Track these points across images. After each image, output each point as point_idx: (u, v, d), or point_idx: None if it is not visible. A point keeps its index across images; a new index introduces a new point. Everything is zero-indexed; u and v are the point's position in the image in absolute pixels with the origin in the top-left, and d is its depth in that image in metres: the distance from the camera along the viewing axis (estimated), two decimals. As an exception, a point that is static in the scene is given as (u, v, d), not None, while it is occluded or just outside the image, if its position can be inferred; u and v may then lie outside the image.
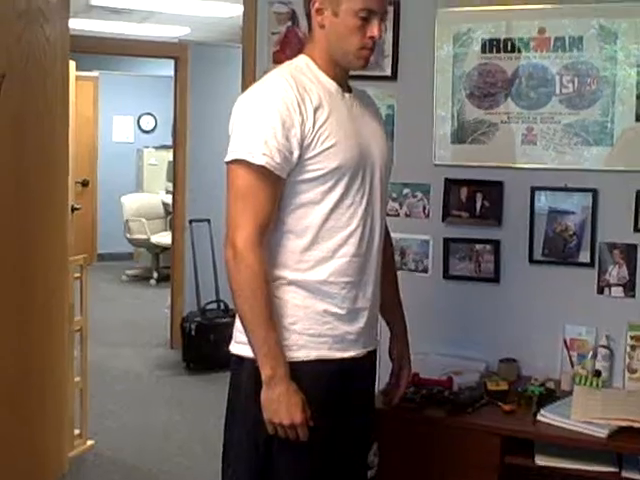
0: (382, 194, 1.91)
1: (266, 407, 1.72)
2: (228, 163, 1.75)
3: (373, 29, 1.80)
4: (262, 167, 1.70)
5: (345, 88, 1.89)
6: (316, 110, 1.75)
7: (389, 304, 2.08)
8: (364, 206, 1.83)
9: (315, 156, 1.75)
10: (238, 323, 1.81)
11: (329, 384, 1.81)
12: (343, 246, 1.80)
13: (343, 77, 1.88)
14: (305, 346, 1.79)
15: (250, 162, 1.70)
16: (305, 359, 1.79)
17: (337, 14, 1.79)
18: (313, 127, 1.74)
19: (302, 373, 1.76)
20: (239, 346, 1.82)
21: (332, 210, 1.79)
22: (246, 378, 1.79)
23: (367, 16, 1.78)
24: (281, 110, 1.71)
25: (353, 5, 1.77)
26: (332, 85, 1.84)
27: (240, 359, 1.82)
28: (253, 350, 1.74)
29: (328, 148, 1.75)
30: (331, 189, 1.78)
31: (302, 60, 1.86)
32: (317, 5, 1.81)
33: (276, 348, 1.72)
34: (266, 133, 1.70)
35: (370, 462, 2.02)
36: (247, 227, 1.70)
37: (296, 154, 1.73)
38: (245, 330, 1.75)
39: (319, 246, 1.79)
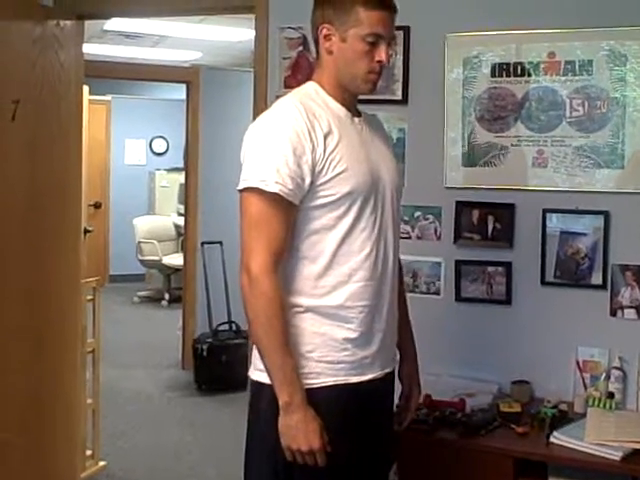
0: (394, 217, 1.93)
1: (284, 433, 1.73)
2: (241, 191, 1.76)
3: (381, 53, 1.82)
4: (275, 194, 1.71)
5: (354, 112, 1.91)
6: (326, 136, 1.77)
7: (399, 327, 2.07)
8: (377, 229, 1.84)
9: (327, 182, 1.76)
10: (256, 350, 1.81)
11: (346, 408, 1.81)
12: (358, 270, 1.81)
13: (352, 102, 1.90)
14: (322, 373, 1.79)
15: (263, 190, 1.71)
16: (322, 385, 1.79)
17: (345, 40, 1.81)
18: (324, 153, 1.75)
19: (319, 399, 1.77)
20: (258, 373, 1.82)
21: (346, 235, 1.80)
22: (265, 405, 1.79)
23: (375, 41, 1.80)
24: (292, 138, 1.73)
25: (360, 30, 1.79)
26: (341, 110, 1.86)
27: (259, 385, 1.82)
28: (270, 376, 1.74)
29: (339, 173, 1.77)
30: (344, 214, 1.79)
31: (311, 86, 1.88)
32: (325, 31, 1.83)
33: (292, 374, 1.73)
34: (278, 161, 1.72)
35: (391, 480, 2.02)
36: (262, 254, 1.71)
37: (308, 181, 1.75)
38: (261, 356, 1.76)
39: (334, 271, 1.80)
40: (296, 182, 1.73)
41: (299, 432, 1.71)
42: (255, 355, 1.83)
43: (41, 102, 3.00)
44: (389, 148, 2.02)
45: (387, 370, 1.93)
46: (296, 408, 1.71)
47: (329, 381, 1.79)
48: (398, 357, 2.08)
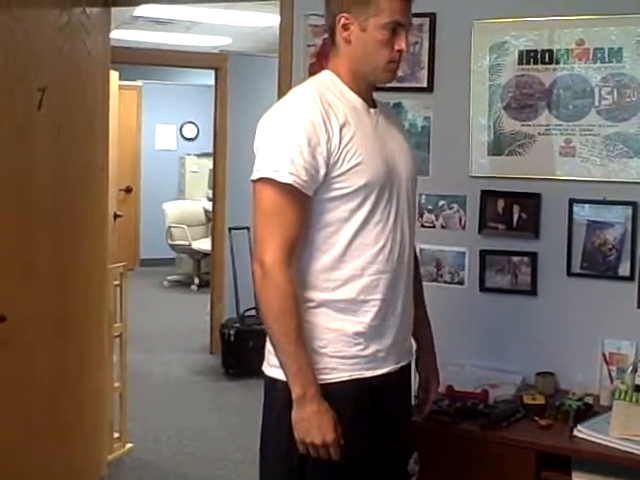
0: (410, 209, 1.91)
1: (297, 426, 1.72)
2: (254, 182, 1.75)
3: (401, 42, 1.80)
4: (289, 185, 1.69)
5: (370, 103, 1.88)
6: (342, 127, 1.74)
7: (415, 317, 2.05)
8: (392, 222, 1.82)
9: (342, 174, 1.74)
10: (269, 345, 1.81)
11: (362, 402, 1.80)
12: (372, 263, 1.79)
13: (368, 92, 1.88)
14: (336, 368, 1.78)
15: (277, 180, 1.70)
16: (337, 380, 1.78)
17: (365, 29, 1.78)
18: (339, 145, 1.73)
19: (334, 394, 1.76)
20: (272, 369, 1.82)
21: (360, 227, 1.78)
22: (279, 401, 1.78)
23: (395, 28, 1.78)
24: (307, 128, 1.71)
25: (381, 19, 1.77)
26: (357, 101, 1.84)
27: (273, 382, 1.81)
28: (283, 370, 1.74)
29: (355, 166, 1.75)
30: (359, 207, 1.77)
31: (327, 75, 1.86)
32: (343, 20, 1.80)
33: (306, 367, 1.72)
34: (292, 151, 1.70)
35: (410, 470, 1.99)
36: (275, 246, 1.70)
37: (322, 172, 1.73)
38: (275, 350, 1.76)
39: (348, 264, 1.78)
40: (310, 173, 1.71)
41: (312, 425, 1.70)
42: (268, 349, 1.83)
43: (67, 90, 3.02)
44: (405, 138, 1.99)
45: (402, 363, 1.92)
46: (310, 400, 1.70)
47: (344, 376, 1.78)
48: (414, 349, 2.06)
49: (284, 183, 1.70)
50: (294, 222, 1.72)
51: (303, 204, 1.73)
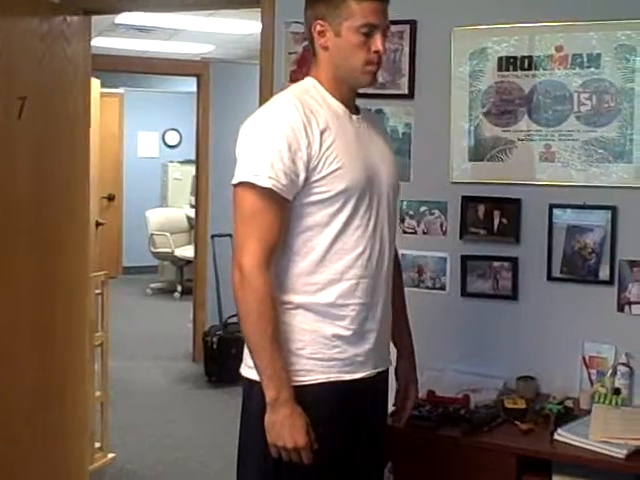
0: (390, 215, 1.91)
1: (270, 430, 1.73)
2: (235, 186, 1.75)
3: (377, 43, 1.80)
4: (268, 190, 1.70)
5: (353, 109, 1.89)
6: (322, 133, 1.75)
7: (395, 323, 2.06)
8: (372, 228, 1.83)
9: (322, 179, 1.75)
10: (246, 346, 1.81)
11: (338, 406, 1.80)
12: (351, 268, 1.80)
13: (350, 98, 1.88)
14: (313, 370, 1.79)
15: (256, 185, 1.70)
16: (313, 383, 1.78)
17: (339, 34, 1.79)
18: (320, 150, 1.74)
19: (310, 396, 1.76)
20: (249, 370, 1.82)
21: (339, 232, 1.79)
22: (256, 403, 1.78)
23: (369, 31, 1.79)
24: (287, 133, 1.72)
25: (353, 22, 1.78)
26: (339, 107, 1.85)
27: (250, 383, 1.82)
28: (258, 373, 1.74)
29: (335, 171, 1.76)
30: (338, 211, 1.78)
31: (309, 82, 1.87)
32: (318, 28, 1.82)
33: (281, 371, 1.72)
34: (272, 156, 1.71)
35: (386, 479, 2.01)
36: (254, 250, 1.70)
37: (302, 177, 1.73)
38: (251, 353, 1.76)
39: (327, 269, 1.79)
40: (290, 178, 1.72)
41: (285, 429, 1.70)
42: (246, 351, 1.83)
43: (48, 98, 3.01)
44: (388, 144, 2.00)
45: (380, 369, 1.92)
46: (283, 404, 1.71)
47: (320, 378, 1.79)
48: (393, 355, 2.06)
49: (264, 187, 1.70)
50: (273, 226, 1.72)
51: (282, 208, 1.74)
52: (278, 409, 1.71)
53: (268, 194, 1.71)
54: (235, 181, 1.75)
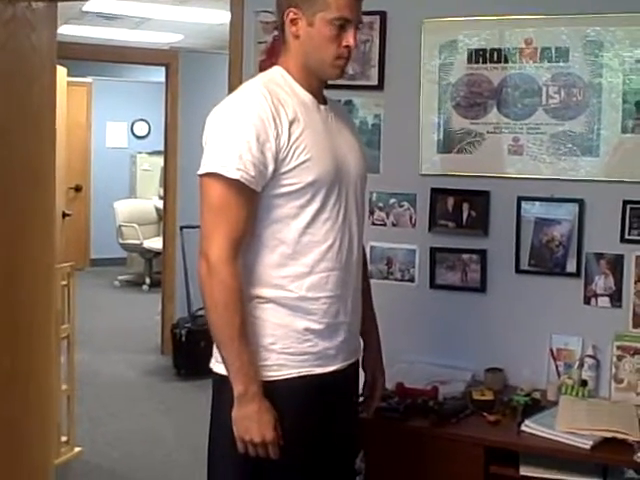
0: (358, 207, 1.90)
1: (237, 424, 1.71)
2: (201, 176, 1.73)
3: (349, 38, 1.78)
4: (236, 181, 1.68)
5: (320, 99, 1.87)
6: (291, 123, 1.73)
7: (363, 316, 2.05)
8: (341, 220, 1.82)
9: (290, 170, 1.73)
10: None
11: (310, 399, 1.79)
12: (321, 261, 1.79)
13: (318, 88, 1.87)
14: (285, 365, 1.77)
15: (224, 176, 1.68)
16: (285, 377, 1.77)
17: (312, 24, 1.77)
18: (288, 141, 1.72)
19: (282, 391, 1.75)
20: (220, 365, 1.79)
21: (309, 225, 1.77)
22: (227, 397, 1.76)
23: (342, 25, 1.77)
24: (256, 124, 1.70)
25: (328, 14, 1.76)
26: (307, 97, 1.83)
27: (222, 378, 1.79)
28: (226, 367, 1.72)
29: (303, 162, 1.74)
30: (307, 203, 1.76)
31: (277, 71, 1.85)
32: (291, 15, 1.79)
33: (249, 364, 1.71)
34: (241, 147, 1.69)
35: (357, 468, 2.01)
36: (221, 241, 1.68)
37: (271, 168, 1.72)
38: (218, 346, 1.74)
39: (297, 261, 1.77)
40: (258, 169, 1.70)
41: (252, 423, 1.69)
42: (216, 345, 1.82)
43: (11, 86, 2.95)
44: (355, 136, 1.98)
45: (351, 361, 1.91)
46: (251, 399, 1.69)
47: (292, 372, 1.78)
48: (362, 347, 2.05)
49: (231, 179, 1.68)
50: (240, 218, 1.70)
51: (250, 200, 1.72)
52: (246, 403, 1.69)
53: (236, 185, 1.69)
54: (202, 171, 1.73)
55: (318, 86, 1.86)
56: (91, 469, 3.75)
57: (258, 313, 1.77)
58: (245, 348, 1.71)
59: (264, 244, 1.77)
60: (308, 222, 1.77)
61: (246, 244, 1.74)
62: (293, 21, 1.80)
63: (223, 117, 1.74)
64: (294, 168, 1.73)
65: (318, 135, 1.79)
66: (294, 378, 1.78)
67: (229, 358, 1.71)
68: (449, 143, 2.71)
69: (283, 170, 1.73)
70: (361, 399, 2.10)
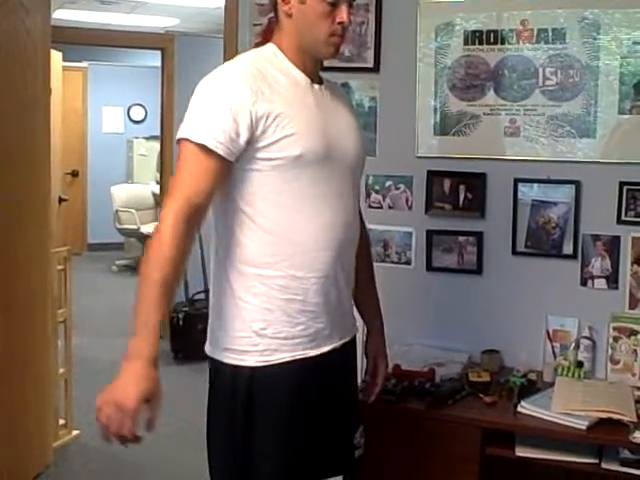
0: (354, 187, 1.88)
1: (111, 385, 1.55)
2: (178, 144, 1.71)
3: (342, 14, 1.76)
4: (203, 146, 1.65)
5: (316, 79, 1.85)
6: (275, 96, 1.71)
7: (366, 300, 2.05)
8: (335, 199, 1.79)
9: (273, 144, 1.70)
10: (213, 322, 1.80)
11: (306, 381, 1.78)
12: (312, 240, 1.76)
13: (313, 68, 1.84)
14: (278, 350, 1.76)
15: (192, 141, 1.66)
16: (280, 362, 1.76)
17: (304, 1, 1.75)
18: (270, 113, 1.69)
19: (278, 375, 1.74)
20: (216, 350, 1.79)
21: (299, 202, 1.74)
22: (224, 383, 1.76)
23: (335, 1, 1.75)
24: (231, 93, 1.67)
25: None
26: (300, 75, 1.80)
27: (219, 364, 1.78)
28: (134, 318, 1.60)
29: (288, 136, 1.70)
30: (294, 178, 1.73)
31: (269, 48, 1.83)
32: None
33: (155, 324, 1.58)
34: (212, 114, 1.67)
35: (357, 443, 2.00)
36: (176, 202, 1.64)
37: (244, 136, 1.68)
38: (136, 303, 1.62)
39: (288, 240, 1.75)
40: (229, 136, 1.66)
41: (120, 381, 1.53)
42: (212, 330, 1.82)
43: (5, 70, 2.93)
44: (354, 117, 1.96)
45: (346, 339, 1.90)
46: (135, 358, 1.55)
47: (287, 356, 1.76)
48: (358, 325, 2.02)
49: (199, 144, 1.66)
50: (202, 182, 1.66)
51: (218, 168, 1.68)
52: (132, 360, 1.55)
53: (203, 151, 1.66)
54: (177, 137, 1.71)
55: (312, 66, 1.84)
56: (89, 452, 3.75)
57: (249, 298, 1.75)
58: (157, 309, 1.58)
59: (254, 224, 1.74)
60: (298, 200, 1.74)
61: (205, 213, 1.69)
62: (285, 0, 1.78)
63: (204, 88, 1.73)
64: (277, 141, 1.70)
65: (308, 112, 1.77)
66: (289, 362, 1.76)
67: (138, 310, 1.59)
68: (445, 125, 2.70)
69: (264, 143, 1.70)
70: (363, 384, 2.09)
